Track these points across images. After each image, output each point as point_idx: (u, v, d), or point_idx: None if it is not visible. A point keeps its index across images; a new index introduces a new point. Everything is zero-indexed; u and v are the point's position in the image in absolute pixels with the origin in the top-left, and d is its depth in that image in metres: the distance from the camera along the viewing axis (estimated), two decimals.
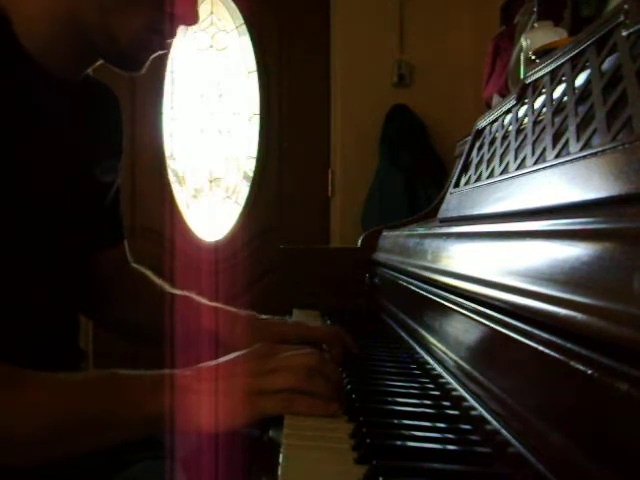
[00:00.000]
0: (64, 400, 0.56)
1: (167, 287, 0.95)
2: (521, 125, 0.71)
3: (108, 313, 0.95)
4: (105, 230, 0.89)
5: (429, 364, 0.70)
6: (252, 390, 0.56)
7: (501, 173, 0.70)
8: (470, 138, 0.94)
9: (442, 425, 0.53)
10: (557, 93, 0.62)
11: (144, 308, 0.93)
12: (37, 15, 0.69)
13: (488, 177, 0.75)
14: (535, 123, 0.64)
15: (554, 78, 0.64)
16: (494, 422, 0.47)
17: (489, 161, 0.78)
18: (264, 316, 0.89)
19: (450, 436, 0.51)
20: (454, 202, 0.86)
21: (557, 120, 0.58)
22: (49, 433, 0.55)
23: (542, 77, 0.68)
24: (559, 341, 0.37)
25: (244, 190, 2.54)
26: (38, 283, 0.72)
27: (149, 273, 0.97)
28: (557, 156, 0.53)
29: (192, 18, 0.73)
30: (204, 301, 0.92)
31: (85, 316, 0.94)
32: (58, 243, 0.75)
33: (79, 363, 0.84)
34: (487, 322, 0.51)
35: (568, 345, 0.35)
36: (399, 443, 0.48)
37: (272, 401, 0.55)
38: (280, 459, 0.45)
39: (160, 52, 0.75)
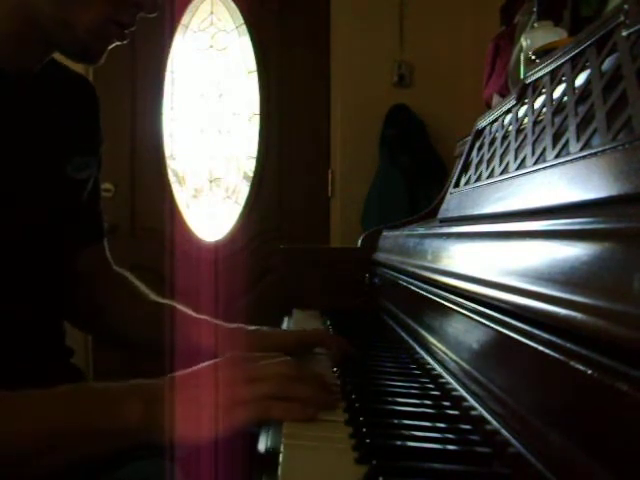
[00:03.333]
0: (32, 417, 0.54)
1: (152, 294, 0.92)
2: (521, 125, 0.71)
3: (89, 317, 0.92)
4: (82, 227, 0.87)
5: (429, 364, 0.70)
6: (228, 400, 0.53)
7: (501, 173, 0.70)
8: (470, 138, 0.94)
9: (442, 425, 0.53)
10: (557, 93, 0.62)
11: (126, 313, 0.90)
12: None
13: (488, 177, 0.75)
14: (535, 123, 0.64)
15: (554, 78, 0.64)
16: (494, 422, 0.47)
17: (489, 161, 0.78)
18: (252, 327, 0.85)
19: (450, 436, 0.51)
20: (454, 202, 0.86)
21: (557, 120, 0.58)
22: (18, 452, 0.52)
23: (542, 77, 0.68)
24: (559, 341, 0.37)
25: (244, 190, 2.54)
26: (16, 280, 0.72)
27: (133, 278, 0.94)
28: (557, 156, 0.54)
29: (151, 6, 0.71)
30: (191, 312, 0.88)
31: (67, 321, 0.89)
32: (30, 241, 0.73)
33: (67, 360, 0.83)
34: (487, 322, 0.51)
35: (568, 345, 0.35)
36: (399, 443, 0.48)
37: (248, 410, 0.53)
38: (280, 459, 0.45)
39: (118, 43, 0.73)
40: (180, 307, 0.89)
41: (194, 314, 0.88)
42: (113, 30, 0.70)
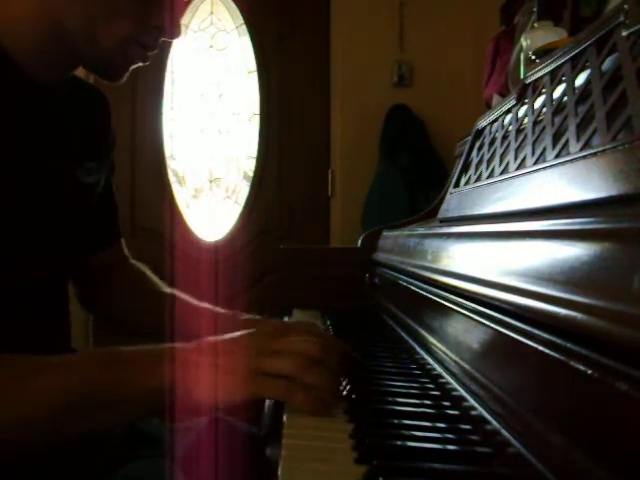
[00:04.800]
0: (63, 379, 0.55)
1: (163, 286, 0.95)
2: (521, 125, 0.71)
3: (106, 308, 0.97)
4: (97, 231, 0.89)
5: (429, 364, 0.70)
6: (253, 369, 0.55)
7: (501, 173, 0.70)
8: (470, 138, 0.94)
9: (442, 425, 0.53)
10: (557, 93, 0.62)
11: (140, 303, 0.94)
12: (20, 17, 0.69)
13: (488, 177, 0.75)
14: (535, 123, 0.64)
15: (554, 78, 0.64)
16: (494, 422, 0.47)
17: (489, 161, 0.78)
18: (258, 317, 0.87)
19: (450, 436, 0.51)
20: (454, 202, 0.86)
21: (557, 120, 0.58)
22: (49, 414, 0.54)
23: (542, 77, 0.68)
24: (559, 341, 0.37)
25: (244, 190, 2.54)
26: (25, 283, 0.72)
27: (147, 269, 0.98)
28: (557, 156, 0.54)
29: (175, 32, 0.74)
30: (198, 302, 0.92)
31: (86, 309, 0.97)
32: (42, 245, 0.75)
33: None
34: (487, 322, 0.51)
35: (568, 345, 0.35)
36: (399, 443, 0.48)
37: (273, 385, 0.55)
38: (280, 459, 0.45)
39: (140, 64, 0.75)
40: (181, 295, 0.92)
41: (194, 302, 0.92)
42: (135, 51, 0.73)
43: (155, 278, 0.97)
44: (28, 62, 0.70)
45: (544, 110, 0.63)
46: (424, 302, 0.75)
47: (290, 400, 0.55)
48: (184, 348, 0.58)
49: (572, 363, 0.35)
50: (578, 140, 0.50)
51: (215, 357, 0.57)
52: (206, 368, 0.56)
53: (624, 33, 0.49)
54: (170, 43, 0.76)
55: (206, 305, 0.91)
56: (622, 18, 0.50)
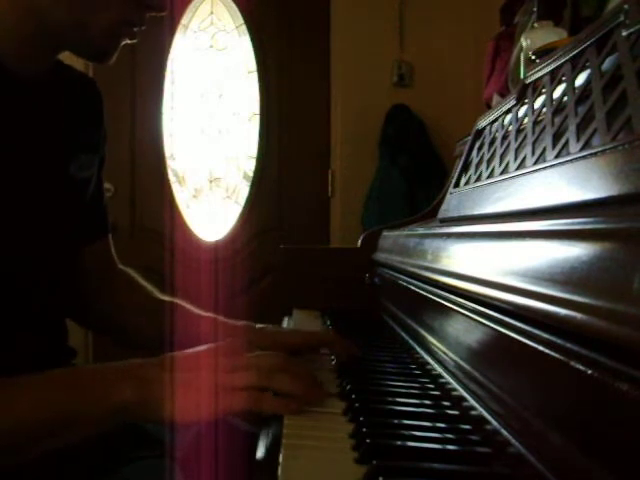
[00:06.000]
0: (23, 401, 0.54)
1: (156, 292, 0.93)
2: (521, 125, 0.71)
3: (92, 313, 0.93)
4: (86, 224, 0.87)
5: (429, 364, 0.70)
6: (218, 385, 0.55)
7: (501, 173, 0.70)
8: (470, 138, 0.94)
9: (442, 425, 0.53)
10: (557, 93, 0.62)
11: (130, 310, 0.91)
12: (1, 10, 0.67)
13: (488, 177, 0.75)
14: (535, 123, 0.64)
15: (554, 78, 0.64)
16: (494, 422, 0.47)
17: (489, 161, 0.78)
18: (259, 325, 0.85)
19: (450, 436, 0.51)
20: (454, 202, 0.86)
21: (557, 120, 0.58)
22: (10, 437, 0.53)
23: (542, 77, 0.68)
24: (559, 341, 0.37)
25: (244, 190, 2.54)
26: (18, 281, 0.72)
27: (137, 276, 0.94)
28: (557, 156, 0.54)
29: (161, 6, 0.73)
30: (196, 310, 0.89)
31: (70, 318, 0.89)
32: (36, 241, 0.73)
33: (69, 360, 0.83)
34: (487, 322, 0.51)
35: (568, 345, 0.35)
36: (399, 443, 0.48)
37: (239, 398, 0.55)
38: (280, 459, 0.45)
39: (128, 41, 0.74)
40: (185, 304, 0.90)
41: (199, 311, 0.89)
42: (125, 30, 0.72)
43: (147, 284, 0.93)
44: (10, 53, 0.68)
45: (544, 110, 0.63)
46: (424, 302, 0.76)
47: (256, 406, 0.55)
48: (149, 364, 0.58)
49: (572, 363, 0.35)
50: (578, 140, 0.50)
51: (179, 374, 0.56)
52: (170, 386, 0.55)
53: (624, 33, 0.49)
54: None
55: (209, 314, 0.88)
56: (622, 18, 0.50)
